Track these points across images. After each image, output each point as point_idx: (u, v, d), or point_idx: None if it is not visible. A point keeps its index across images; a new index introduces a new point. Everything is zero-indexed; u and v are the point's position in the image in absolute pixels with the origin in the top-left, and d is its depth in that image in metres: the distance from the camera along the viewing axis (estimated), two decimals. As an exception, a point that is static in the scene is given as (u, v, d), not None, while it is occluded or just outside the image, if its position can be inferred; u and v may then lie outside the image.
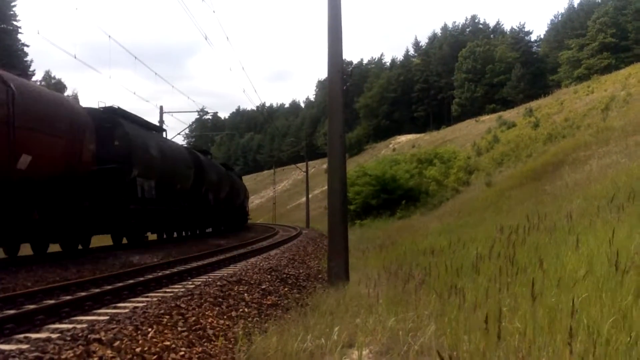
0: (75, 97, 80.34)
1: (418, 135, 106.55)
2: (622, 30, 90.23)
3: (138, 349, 6.01)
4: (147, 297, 10.53)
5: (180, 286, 11.89)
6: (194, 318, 7.75)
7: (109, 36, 23.84)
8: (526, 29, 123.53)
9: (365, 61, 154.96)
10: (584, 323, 5.06)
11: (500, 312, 5.61)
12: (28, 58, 64.19)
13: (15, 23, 62.85)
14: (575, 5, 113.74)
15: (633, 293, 5.76)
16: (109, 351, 5.79)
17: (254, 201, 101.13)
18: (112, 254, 18.22)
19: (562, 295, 6.12)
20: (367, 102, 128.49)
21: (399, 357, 5.70)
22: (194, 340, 6.90)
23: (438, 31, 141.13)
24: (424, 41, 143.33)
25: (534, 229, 11.99)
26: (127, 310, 8.35)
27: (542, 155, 35.39)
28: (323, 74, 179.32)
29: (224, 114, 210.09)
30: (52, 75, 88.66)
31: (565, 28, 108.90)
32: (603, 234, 8.62)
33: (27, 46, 66.20)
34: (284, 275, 13.68)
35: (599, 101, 45.61)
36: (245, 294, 10.30)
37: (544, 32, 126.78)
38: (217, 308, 8.74)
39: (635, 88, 44.86)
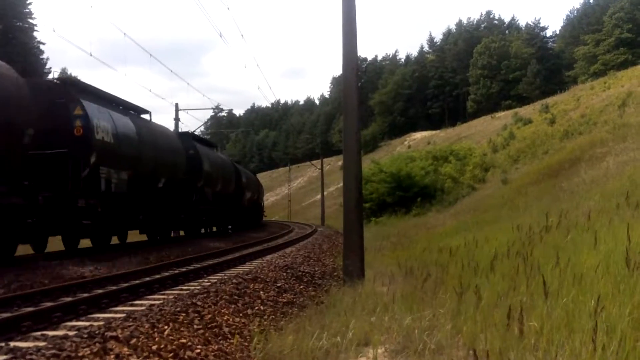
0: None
1: (433, 132, 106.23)
2: (638, 26, 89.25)
3: (154, 347, 6.03)
4: (163, 294, 10.57)
5: (196, 284, 11.93)
6: (210, 316, 7.77)
7: (124, 34, 23.98)
8: (541, 25, 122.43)
9: (379, 57, 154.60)
10: (602, 321, 5.02)
11: (516, 310, 5.58)
12: (44, 56, 64.50)
13: (30, 21, 63.15)
14: (591, 1, 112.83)
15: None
16: (125, 349, 5.82)
17: (269, 198, 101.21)
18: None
19: (579, 294, 6.08)
20: (382, 99, 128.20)
21: (415, 355, 5.69)
22: (209, 338, 6.92)
23: (453, 27, 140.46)
24: (438, 37, 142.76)
25: (552, 227, 11.92)
26: (143, 308, 8.38)
27: (558, 152, 35.18)
28: (337, 70, 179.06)
29: (239, 111, 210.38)
30: (69, 73, 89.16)
31: (581, 23, 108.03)
32: (621, 231, 8.55)
33: (43, 44, 66.49)
34: (300, 273, 13.70)
35: (616, 97, 45.18)
36: (261, 292, 10.32)
37: (560, 28, 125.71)
38: (232, 306, 8.77)
39: (653, 84, 44.51)
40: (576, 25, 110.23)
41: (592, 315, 5.16)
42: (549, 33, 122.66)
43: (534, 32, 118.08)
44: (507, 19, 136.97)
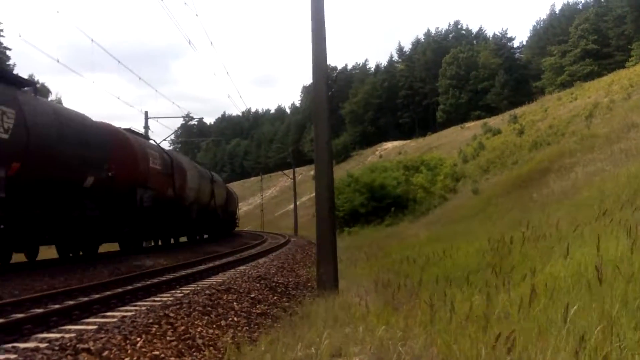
0: (59, 102, 79.81)
1: (404, 142, 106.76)
2: (603, 37, 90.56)
3: (127, 359, 5.99)
4: (135, 306, 10.46)
5: (169, 295, 11.83)
6: (183, 327, 7.72)
7: (92, 40, 23.77)
8: (509, 35, 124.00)
9: (349, 67, 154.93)
10: (573, 331, 5.09)
11: (489, 320, 5.63)
12: (10, 62, 63.70)
13: (-5, 27, 62.34)
14: (557, 12, 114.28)
15: (620, 301, 5.79)
16: (98, 361, 5.77)
17: (241, 208, 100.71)
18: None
19: (551, 304, 6.15)
20: (353, 108, 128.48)
21: (389, 366, 5.70)
22: (183, 350, 6.88)
23: (421, 37, 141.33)
24: (407, 47, 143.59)
25: (524, 239, 12.02)
26: (115, 320, 8.31)
27: (527, 162, 35.57)
28: (308, 79, 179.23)
29: (209, 120, 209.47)
30: (36, 79, 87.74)
31: (547, 34, 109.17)
32: (591, 242, 8.67)
33: (9, 49, 65.63)
34: (273, 284, 13.66)
35: (583, 108, 45.88)
36: (235, 303, 10.27)
37: (527, 38, 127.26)
38: (206, 317, 8.72)
39: (618, 95, 45.17)
40: (542, 36, 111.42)
41: (564, 325, 5.23)
42: (516, 44, 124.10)
43: (501, 43, 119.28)
44: (474, 30, 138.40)
